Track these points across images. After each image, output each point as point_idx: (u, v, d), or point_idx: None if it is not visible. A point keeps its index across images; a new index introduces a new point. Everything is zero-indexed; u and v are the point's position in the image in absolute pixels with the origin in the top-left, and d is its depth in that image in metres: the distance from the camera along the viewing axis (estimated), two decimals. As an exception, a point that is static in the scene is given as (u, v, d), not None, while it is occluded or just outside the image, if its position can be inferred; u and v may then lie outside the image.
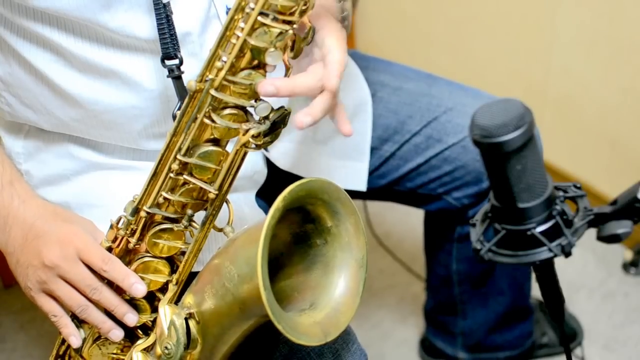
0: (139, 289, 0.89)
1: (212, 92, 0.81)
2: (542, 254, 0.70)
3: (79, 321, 0.93)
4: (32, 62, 0.93)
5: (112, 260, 0.88)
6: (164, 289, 0.91)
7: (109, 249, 0.90)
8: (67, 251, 0.88)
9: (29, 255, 0.90)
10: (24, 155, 1.02)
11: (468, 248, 1.36)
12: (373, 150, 1.24)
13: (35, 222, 0.91)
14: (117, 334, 0.91)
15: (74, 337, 0.92)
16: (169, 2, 0.88)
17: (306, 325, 0.80)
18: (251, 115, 0.84)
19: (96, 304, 0.90)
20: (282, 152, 1.11)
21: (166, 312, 0.86)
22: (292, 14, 0.79)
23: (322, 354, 0.97)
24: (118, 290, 0.90)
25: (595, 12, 1.70)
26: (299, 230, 0.85)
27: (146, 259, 0.89)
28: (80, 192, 1.00)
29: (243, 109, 0.83)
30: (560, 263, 0.73)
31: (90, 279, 0.88)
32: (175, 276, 0.90)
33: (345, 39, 0.89)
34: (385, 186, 1.29)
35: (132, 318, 0.90)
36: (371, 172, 1.25)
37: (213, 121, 0.82)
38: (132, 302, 0.91)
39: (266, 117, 0.83)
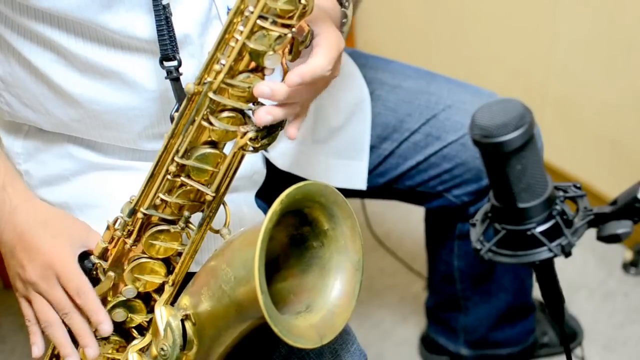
0: (104, 329, 0.90)
1: (211, 94, 0.81)
2: (542, 254, 0.70)
3: None
4: (32, 62, 0.93)
5: (86, 293, 0.89)
6: (159, 289, 0.91)
7: (105, 250, 0.90)
8: (47, 273, 0.90)
9: (15, 264, 0.92)
10: (23, 156, 1.02)
11: (469, 245, 1.35)
12: (372, 148, 1.24)
13: (24, 232, 0.92)
14: None
15: (36, 346, 0.93)
16: (168, 4, 0.88)
17: (302, 328, 0.80)
18: (249, 117, 0.84)
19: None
20: (282, 152, 1.11)
21: (162, 313, 0.86)
22: (291, 17, 0.79)
23: (322, 355, 0.97)
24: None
25: (595, 12, 1.70)
26: (296, 232, 0.85)
27: (142, 259, 0.89)
28: (79, 193, 1.00)
29: (241, 111, 0.83)
30: (560, 263, 0.73)
31: (64, 303, 0.90)
32: (171, 277, 0.90)
33: (339, 45, 0.87)
34: (384, 184, 1.29)
35: (92, 352, 0.91)
36: (370, 171, 1.24)
37: (211, 124, 0.82)
38: (128, 303, 0.91)
39: None
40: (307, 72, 0.82)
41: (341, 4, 0.98)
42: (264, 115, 0.81)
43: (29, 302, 0.93)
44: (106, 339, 0.93)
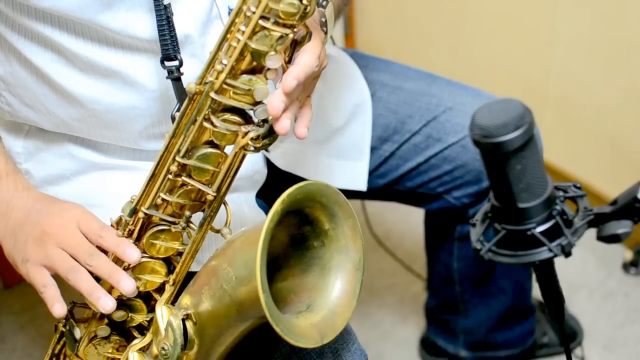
0: (133, 254, 0.87)
1: (212, 94, 0.81)
2: (542, 254, 0.70)
3: (75, 321, 0.93)
4: (33, 62, 0.93)
5: (109, 230, 0.88)
6: (160, 289, 0.91)
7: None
8: (67, 220, 0.88)
9: (29, 229, 0.90)
10: (24, 155, 1.02)
11: (469, 247, 1.36)
12: (373, 150, 1.24)
13: (36, 202, 0.92)
14: (108, 302, 0.86)
15: (59, 304, 0.88)
16: (169, 4, 0.88)
17: (303, 327, 0.80)
18: (250, 117, 0.84)
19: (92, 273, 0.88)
20: (283, 152, 1.11)
21: (163, 312, 0.86)
22: (293, 18, 0.79)
23: (323, 354, 0.97)
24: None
25: (595, 12, 1.70)
26: (297, 232, 0.85)
27: (143, 259, 0.89)
28: (80, 192, 1.00)
29: (242, 111, 0.83)
30: (560, 263, 0.73)
31: (88, 245, 0.87)
32: (172, 277, 0.89)
33: (321, 40, 0.88)
34: (385, 186, 1.29)
35: (128, 285, 0.86)
36: (371, 172, 1.25)
37: (212, 124, 0.82)
38: (128, 302, 0.91)
39: (265, 120, 0.83)
40: (300, 73, 0.82)
41: (318, 4, 0.98)
42: (286, 121, 0.81)
43: (43, 267, 0.89)
44: (106, 338, 0.93)
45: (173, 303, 0.89)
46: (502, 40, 1.95)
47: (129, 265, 0.89)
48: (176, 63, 0.89)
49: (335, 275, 0.85)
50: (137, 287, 0.90)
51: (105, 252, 0.89)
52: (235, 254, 0.81)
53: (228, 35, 0.80)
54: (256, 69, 0.82)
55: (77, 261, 0.87)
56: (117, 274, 0.87)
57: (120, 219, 0.89)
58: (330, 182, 0.83)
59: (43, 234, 0.89)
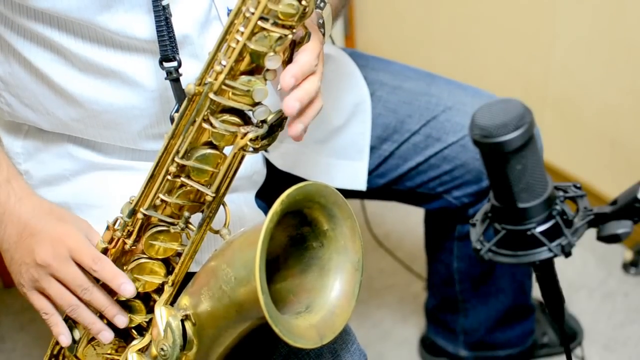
0: (127, 289, 0.88)
1: (211, 95, 0.81)
2: (542, 254, 0.70)
3: (73, 322, 0.93)
4: (32, 62, 0.93)
5: (102, 260, 0.88)
6: (159, 290, 0.91)
7: (105, 250, 0.90)
8: (59, 250, 0.88)
9: (22, 253, 0.91)
10: (23, 156, 1.02)
11: (469, 246, 1.36)
12: (372, 149, 1.24)
13: (29, 220, 0.91)
14: (107, 335, 0.91)
15: (64, 336, 0.92)
16: (168, 5, 0.88)
17: (302, 328, 0.81)
18: (249, 118, 0.84)
19: (88, 304, 0.90)
20: (282, 153, 1.11)
21: (162, 313, 0.86)
22: (292, 19, 0.79)
23: (321, 355, 0.97)
24: (111, 293, 0.90)
25: (595, 12, 1.70)
26: (296, 232, 0.85)
27: (142, 260, 0.89)
28: (79, 193, 1.00)
29: (241, 112, 0.83)
30: (560, 263, 0.73)
31: (81, 279, 0.89)
32: (171, 277, 0.89)
33: (320, 41, 0.88)
34: (384, 185, 1.29)
35: (122, 320, 0.90)
36: (370, 172, 1.24)
37: (211, 125, 0.82)
38: (127, 303, 0.91)
39: (264, 121, 0.83)
40: (299, 71, 0.82)
41: (316, 5, 0.98)
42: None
43: (42, 293, 0.91)
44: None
45: (172, 304, 0.89)
46: (502, 40, 1.95)
47: (128, 267, 0.89)
48: (175, 64, 0.89)
49: (335, 276, 0.85)
50: (137, 288, 0.90)
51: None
52: (234, 254, 0.81)
53: (227, 36, 0.80)
54: (255, 70, 0.82)
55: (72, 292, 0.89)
56: (111, 309, 0.90)
57: (116, 220, 0.89)
58: (329, 182, 0.83)
59: (36, 265, 0.89)
